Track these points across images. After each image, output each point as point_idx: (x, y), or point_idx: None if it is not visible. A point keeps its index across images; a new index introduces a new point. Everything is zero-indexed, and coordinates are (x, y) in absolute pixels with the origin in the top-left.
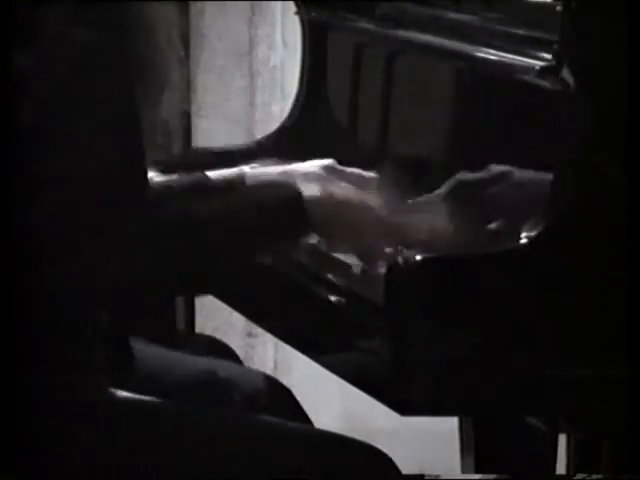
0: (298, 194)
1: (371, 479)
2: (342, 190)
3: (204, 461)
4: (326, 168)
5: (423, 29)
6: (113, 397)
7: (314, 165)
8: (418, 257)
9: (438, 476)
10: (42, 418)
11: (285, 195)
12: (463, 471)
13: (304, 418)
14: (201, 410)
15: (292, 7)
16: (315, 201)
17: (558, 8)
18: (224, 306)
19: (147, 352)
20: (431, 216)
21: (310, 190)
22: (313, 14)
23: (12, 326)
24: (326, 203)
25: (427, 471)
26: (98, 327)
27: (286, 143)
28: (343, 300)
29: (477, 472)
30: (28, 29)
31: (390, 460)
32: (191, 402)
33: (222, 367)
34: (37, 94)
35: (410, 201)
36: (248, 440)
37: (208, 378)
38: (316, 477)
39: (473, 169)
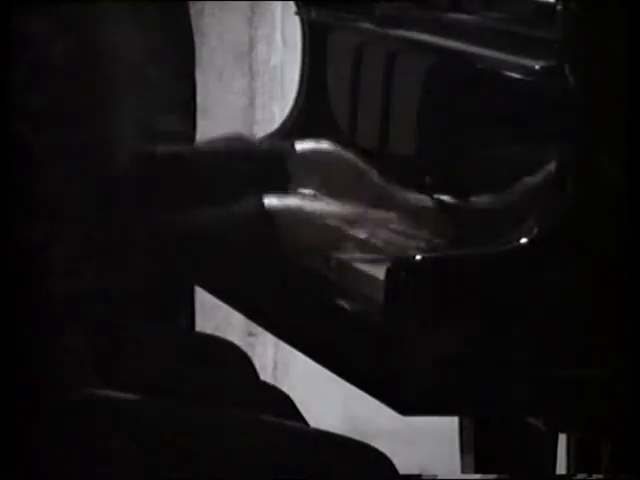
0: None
1: (369, 479)
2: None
3: (199, 459)
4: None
5: (423, 29)
6: (103, 396)
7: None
8: (418, 257)
9: (435, 476)
10: (33, 418)
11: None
12: (463, 471)
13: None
14: (193, 408)
15: (292, 7)
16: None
17: (558, 8)
18: (224, 306)
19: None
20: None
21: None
22: (313, 14)
23: (6, 328)
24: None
25: (427, 471)
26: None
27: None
28: (343, 300)
29: (477, 472)
30: None
31: (389, 460)
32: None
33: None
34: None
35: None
36: (244, 438)
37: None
38: (314, 476)
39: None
